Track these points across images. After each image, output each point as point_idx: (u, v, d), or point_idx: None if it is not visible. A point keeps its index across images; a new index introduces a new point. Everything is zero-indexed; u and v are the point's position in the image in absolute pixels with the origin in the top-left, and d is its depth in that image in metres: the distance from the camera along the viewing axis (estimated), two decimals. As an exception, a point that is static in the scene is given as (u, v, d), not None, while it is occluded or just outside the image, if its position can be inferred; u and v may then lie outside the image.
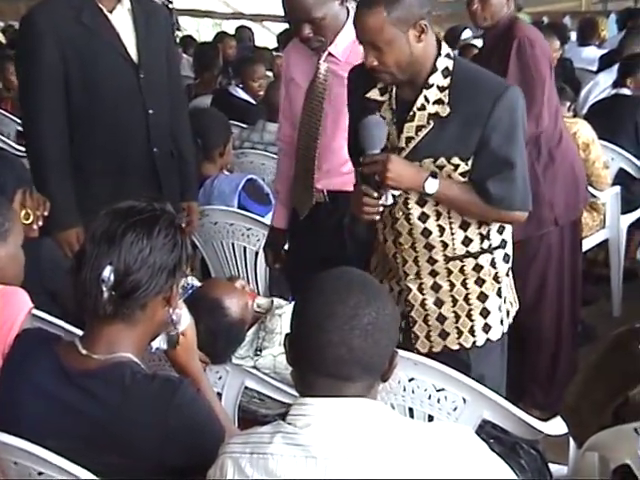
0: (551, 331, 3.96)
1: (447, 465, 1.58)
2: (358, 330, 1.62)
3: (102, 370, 1.91)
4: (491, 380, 2.67)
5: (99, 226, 1.92)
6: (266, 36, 13.76)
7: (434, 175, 2.53)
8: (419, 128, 2.54)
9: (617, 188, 4.92)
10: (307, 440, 1.60)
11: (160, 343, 2.08)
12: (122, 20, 3.42)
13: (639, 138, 5.11)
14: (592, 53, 7.46)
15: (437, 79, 2.52)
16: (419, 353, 2.64)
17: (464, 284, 2.70)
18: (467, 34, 8.93)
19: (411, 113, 2.54)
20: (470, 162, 2.54)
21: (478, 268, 2.69)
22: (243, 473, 1.63)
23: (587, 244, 4.76)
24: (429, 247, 2.66)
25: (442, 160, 2.55)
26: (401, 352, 1.77)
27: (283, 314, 2.77)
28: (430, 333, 2.73)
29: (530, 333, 3.88)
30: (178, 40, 10.30)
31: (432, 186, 2.53)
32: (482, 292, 2.71)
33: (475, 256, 2.68)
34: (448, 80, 2.52)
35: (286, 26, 11.22)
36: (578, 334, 4.36)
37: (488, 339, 2.74)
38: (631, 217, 5.07)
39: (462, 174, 2.56)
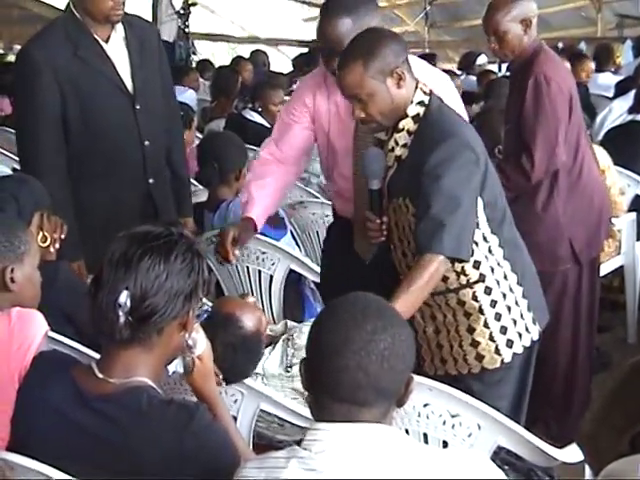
0: (566, 363, 3.91)
1: None
2: (374, 355, 1.62)
3: (118, 394, 1.91)
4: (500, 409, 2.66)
5: (116, 250, 1.93)
6: (281, 60, 13.83)
7: None
8: (388, 168, 2.73)
9: (633, 215, 4.91)
10: (322, 465, 1.60)
11: (177, 367, 2.08)
12: (117, 49, 3.45)
13: (655, 165, 5.11)
14: (608, 79, 7.46)
15: (408, 124, 2.66)
16: (427, 376, 2.66)
17: (454, 316, 2.79)
18: (482, 60, 8.98)
19: (385, 152, 2.73)
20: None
21: (461, 303, 2.77)
22: None
23: (603, 270, 4.73)
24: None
25: (407, 200, 2.67)
26: (416, 377, 1.77)
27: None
28: (433, 358, 2.85)
29: (545, 364, 3.85)
30: (194, 64, 10.37)
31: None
32: (469, 325, 2.78)
33: (455, 292, 2.75)
34: (417, 126, 2.66)
35: (301, 50, 11.32)
36: (593, 362, 4.35)
37: (483, 367, 2.80)
38: (647, 243, 5.06)
39: (413, 215, 2.65)
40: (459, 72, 9.52)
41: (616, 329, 5.02)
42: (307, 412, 2.66)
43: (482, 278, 2.77)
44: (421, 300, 2.60)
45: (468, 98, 6.38)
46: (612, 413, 2.05)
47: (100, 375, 1.94)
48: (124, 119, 3.44)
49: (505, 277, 2.80)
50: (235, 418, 2.61)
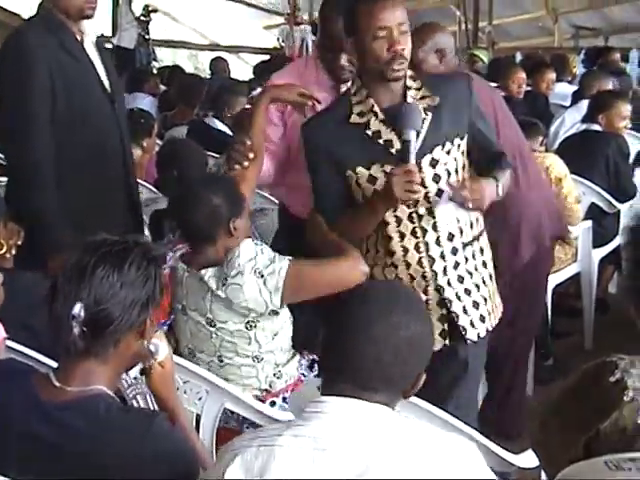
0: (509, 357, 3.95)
1: (449, 470, 1.60)
2: (392, 348, 1.66)
3: (76, 402, 1.90)
4: (479, 375, 2.96)
5: (71, 260, 1.92)
6: (242, 68, 13.82)
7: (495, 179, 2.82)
8: (423, 120, 2.72)
9: (589, 222, 4.98)
10: (316, 432, 1.63)
11: (137, 373, 2.08)
12: (91, 49, 3.44)
13: (610, 173, 5.18)
14: (564, 89, 7.56)
15: (410, 83, 2.75)
16: (473, 342, 2.88)
17: (476, 269, 2.89)
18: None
19: None
20: (465, 139, 2.82)
21: (481, 251, 2.93)
22: (246, 463, 1.64)
23: (559, 277, 4.80)
24: (450, 237, 2.81)
25: (448, 145, 2.76)
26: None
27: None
28: (472, 321, 2.88)
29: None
30: (155, 71, 10.35)
31: (499, 188, 2.81)
32: (490, 274, 2.96)
33: (478, 238, 2.89)
34: (418, 83, 2.76)
35: (262, 57, 11.32)
36: (549, 367, 4.40)
37: (491, 324, 2.96)
38: (603, 251, 5.13)
39: (463, 152, 2.81)
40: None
41: (573, 336, 5.08)
42: (272, 412, 2.69)
43: (482, 233, 2.94)
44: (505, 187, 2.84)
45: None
46: (566, 418, 2.08)
47: (57, 384, 1.93)
48: (107, 115, 3.43)
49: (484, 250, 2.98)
50: (199, 416, 2.62)
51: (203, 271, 2.84)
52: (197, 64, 15.86)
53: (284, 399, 2.93)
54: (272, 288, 2.76)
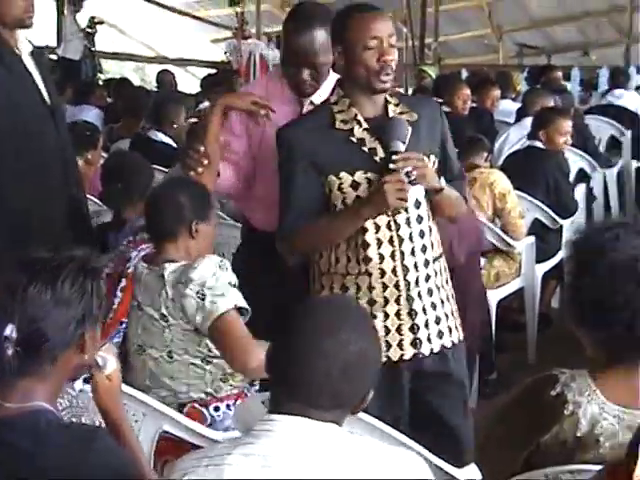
0: None
1: None
2: (341, 366, 1.65)
3: (16, 418, 1.87)
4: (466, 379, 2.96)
5: (3, 279, 1.88)
6: (190, 81, 13.79)
7: None
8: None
9: (532, 238, 5.04)
10: (266, 451, 1.62)
11: (84, 386, 2.06)
12: (28, 61, 3.37)
13: (550, 190, 5.27)
14: (508, 106, 7.65)
15: (389, 98, 2.82)
16: (423, 357, 2.84)
17: (442, 285, 2.91)
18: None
19: None
20: (438, 159, 2.86)
21: (444, 269, 2.94)
22: None
23: (503, 292, 4.85)
24: (424, 249, 2.84)
25: (427, 157, 2.79)
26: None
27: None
28: (430, 336, 2.87)
29: None
30: (101, 83, 10.27)
31: (443, 181, 2.82)
32: (448, 294, 2.95)
33: (439, 258, 2.91)
34: (395, 99, 2.83)
35: (210, 71, 11.30)
36: (493, 382, 4.45)
37: (459, 337, 2.96)
38: (546, 266, 5.19)
39: (435, 170, 2.81)
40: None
41: (516, 350, 5.13)
42: (210, 433, 2.67)
43: (441, 254, 2.95)
44: (451, 197, 2.86)
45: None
46: (508, 432, 2.10)
47: (-3, 400, 1.90)
48: (46, 127, 3.36)
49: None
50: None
51: (165, 265, 2.90)
52: (144, 77, 15.79)
53: (228, 406, 2.93)
54: (205, 315, 2.81)
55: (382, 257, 2.79)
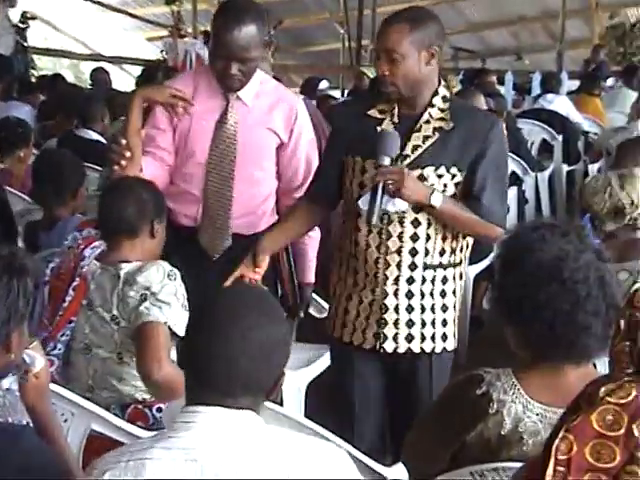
0: None
1: (320, 475, 1.62)
2: (247, 352, 1.65)
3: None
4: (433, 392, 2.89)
5: None
6: (125, 79, 13.67)
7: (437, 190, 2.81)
8: (426, 138, 2.84)
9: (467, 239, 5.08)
10: (186, 443, 1.61)
11: (11, 384, 2.03)
12: None
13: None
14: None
15: (438, 102, 2.86)
16: (385, 353, 2.88)
17: (432, 294, 2.91)
18: (324, 85, 9.11)
19: (418, 125, 2.84)
20: (465, 174, 2.83)
21: (445, 280, 2.92)
22: (115, 479, 1.62)
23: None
24: (413, 252, 2.85)
25: (442, 169, 2.82)
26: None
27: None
28: (397, 336, 2.90)
29: None
30: (34, 79, 10.13)
31: (437, 199, 2.78)
32: (444, 303, 2.93)
33: (445, 267, 2.91)
34: (447, 104, 2.86)
35: (144, 69, 11.21)
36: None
37: (444, 348, 2.95)
38: (477, 267, 5.25)
39: (456, 184, 2.84)
40: (302, 96, 9.65)
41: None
42: (141, 432, 2.65)
43: (460, 263, 2.95)
44: (453, 215, 2.81)
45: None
46: (435, 431, 2.13)
47: None
48: None
49: (461, 275, 2.99)
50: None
51: (122, 265, 2.86)
52: (78, 74, 15.61)
53: None
54: (137, 315, 2.78)
55: (368, 245, 2.87)
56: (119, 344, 2.87)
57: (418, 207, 2.81)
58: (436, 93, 2.86)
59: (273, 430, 1.69)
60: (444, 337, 2.94)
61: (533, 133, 7.53)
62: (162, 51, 12.25)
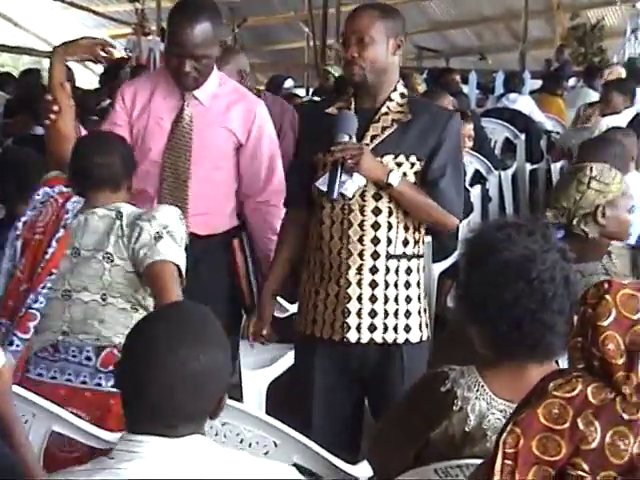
0: None
1: None
2: (183, 382, 1.61)
3: None
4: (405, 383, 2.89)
5: None
6: (88, 77, 13.57)
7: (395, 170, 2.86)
8: (384, 128, 2.90)
9: (428, 238, 5.09)
10: (133, 475, 1.58)
11: None
12: None
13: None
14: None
15: (396, 97, 2.93)
16: (348, 343, 2.92)
17: (395, 285, 2.93)
18: (289, 83, 9.12)
19: (377, 117, 2.91)
20: (423, 163, 2.90)
21: (409, 271, 2.95)
22: None
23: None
24: (375, 241, 2.89)
25: (401, 157, 2.88)
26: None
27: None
28: (361, 325, 2.92)
29: None
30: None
31: (395, 178, 2.82)
32: (408, 295, 2.96)
33: (408, 258, 2.95)
34: (405, 100, 2.94)
35: (107, 67, 11.14)
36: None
37: (407, 339, 2.95)
38: (442, 265, 5.28)
39: (415, 173, 2.90)
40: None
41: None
42: (102, 434, 2.63)
43: (423, 255, 3.01)
44: (409, 198, 2.86)
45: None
46: (399, 428, 2.14)
47: None
48: None
49: (424, 268, 3.05)
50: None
51: (120, 205, 2.85)
52: (43, 71, 15.47)
53: None
54: (150, 253, 2.76)
55: (332, 237, 2.91)
56: (106, 285, 2.82)
57: (378, 195, 2.85)
58: (395, 89, 2.93)
59: (221, 454, 1.66)
60: (407, 328, 2.95)
61: (496, 132, 7.58)
62: (126, 49, 12.18)
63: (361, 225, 2.88)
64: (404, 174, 2.88)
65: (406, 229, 2.92)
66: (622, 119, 5.92)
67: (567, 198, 2.98)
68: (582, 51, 14.65)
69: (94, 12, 16.30)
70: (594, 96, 7.89)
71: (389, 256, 2.90)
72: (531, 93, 9.23)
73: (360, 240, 2.88)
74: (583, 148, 4.14)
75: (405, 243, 2.93)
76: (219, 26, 3.21)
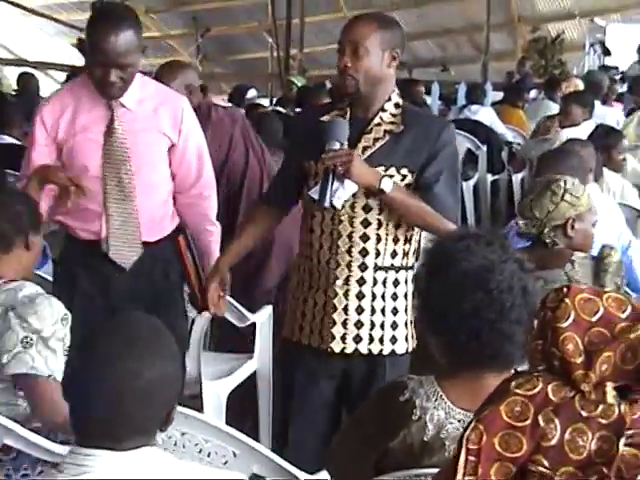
0: None
1: None
2: (132, 395, 1.60)
3: None
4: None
5: None
6: (51, 85, 13.48)
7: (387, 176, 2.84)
8: (376, 140, 2.88)
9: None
10: None
11: None
12: None
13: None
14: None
15: (390, 108, 2.91)
16: (332, 352, 2.91)
17: (383, 296, 2.92)
18: (252, 93, 9.12)
19: (369, 127, 2.88)
20: (415, 175, 2.87)
21: (396, 283, 2.93)
22: None
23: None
24: (364, 252, 2.88)
25: (393, 169, 2.86)
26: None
27: None
28: (346, 336, 2.91)
29: None
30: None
31: (387, 184, 2.80)
32: (395, 306, 2.94)
33: (397, 270, 2.92)
34: (399, 110, 2.91)
35: (69, 75, 11.08)
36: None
37: (393, 350, 2.94)
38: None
39: (407, 185, 2.87)
40: (229, 104, 9.63)
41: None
42: (54, 447, 2.59)
43: (413, 267, 2.95)
44: (403, 205, 2.84)
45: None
46: (359, 437, 2.14)
47: None
48: None
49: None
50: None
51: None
52: (3, 79, 15.34)
53: None
54: (17, 363, 2.57)
55: (321, 246, 2.91)
56: None
57: (368, 207, 2.85)
58: (389, 99, 2.91)
59: (172, 465, 1.65)
60: (393, 340, 2.95)
61: (458, 143, 7.60)
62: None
63: (350, 236, 2.87)
64: (394, 184, 2.85)
65: (395, 241, 2.91)
66: (581, 131, 5.97)
67: (540, 208, 3.04)
68: (543, 64, 14.80)
69: (56, 20, 16.20)
70: (554, 108, 7.96)
71: (377, 268, 2.89)
72: (493, 105, 9.30)
73: (348, 251, 2.88)
74: (542, 160, 4.18)
75: (393, 255, 2.91)
76: (141, 33, 3.15)
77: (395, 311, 2.94)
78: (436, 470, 1.91)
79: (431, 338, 2.10)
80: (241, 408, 3.54)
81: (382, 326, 2.93)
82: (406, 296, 2.96)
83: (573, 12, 15.82)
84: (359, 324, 2.91)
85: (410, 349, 2.99)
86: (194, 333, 3.73)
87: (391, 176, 2.85)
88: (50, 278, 3.50)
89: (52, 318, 2.61)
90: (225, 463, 2.43)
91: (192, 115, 3.34)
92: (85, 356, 1.65)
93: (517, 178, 7.41)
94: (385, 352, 2.93)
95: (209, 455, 2.44)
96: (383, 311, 2.93)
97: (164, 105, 3.24)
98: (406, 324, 2.97)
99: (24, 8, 15.78)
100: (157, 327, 1.70)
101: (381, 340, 2.93)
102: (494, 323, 1.99)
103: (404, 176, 2.87)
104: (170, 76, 3.89)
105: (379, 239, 2.88)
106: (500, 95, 9.84)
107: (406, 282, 2.95)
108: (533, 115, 8.61)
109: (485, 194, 7.73)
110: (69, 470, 1.59)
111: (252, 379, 3.65)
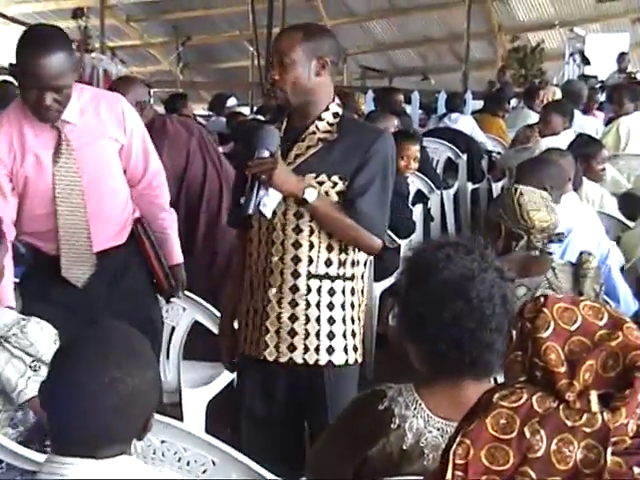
0: None
1: None
2: (107, 406, 1.60)
3: None
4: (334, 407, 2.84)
5: None
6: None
7: (312, 187, 2.83)
8: (309, 147, 2.89)
9: (370, 257, 5.12)
10: None
11: None
12: None
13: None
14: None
15: (328, 117, 2.92)
16: (265, 361, 2.89)
17: (318, 305, 2.90)
18: (232, 102, 9.12)
19: (303, 136, 2.90)
20: (346, 183, 2.86)
21: (332, 292, 2.91)
22: None
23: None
24: (296, 260, 2.87)
25: (323, 177, 2.86)
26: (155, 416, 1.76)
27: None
28: (279, 344, 2.89)
29: None
30: None
31: (311, 194, 2.80)
32: (331, 316, 2.91)
33: (332, 279, 2.90)
34: (337, 120, 2.92)
35: None
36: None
37: (330, 361, 2.91)
38: (383, 284, 5.30)
39: (338, 193, 2.86)
40: (209, 113, 9.63)
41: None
42: (31, 454, 2.57)
43: (352, 278, 2.94)
44: (326, 216, 2.83)
45: (218, 139, 6.48)
46: (338, 445, 2.14)
47: None
48: None
49: (362, 292, 3.01)
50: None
51: None
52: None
53: None
54: (31, 388, 2.58)
55: (259, 255, 2.91)
56: None
57: (299, 214, 2.84)
58: (327, 109, 2.91)
59: (148, 474, 1.65)
60: (330, 350, 2.90)
61: (438, 151, 7.65)
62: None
63: (282, 244, 2.87)
64: (326, 193, 2.85)
65: (329, 249, 2.88)
66: (561, 140, 6.00)
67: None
68: (523, 73, 14.88)
69: (36, 28, 16.12)
70: (534, 117, 8.00)
71: (310, 275, 2.87)
72: (473, 113, 9.34)
73: (281, 259, 2.87)
74: (520, 169, 4.19)
75: (328, 263, 2.89)
76: (72, 53, 3.11)
77: (332, 320, 2.91)
78: (415, 478, 1.92)
79: (410, 346, 2.10)
80: (221, 416, 3.54)
81: (317, 335, 2.89)
82: (344, 306, 2.92)
83: (553, 22, 15.92)
84: (292, 332, 2.89)
85: (352, 361, 2.94)
86: (174, 341, 3.73)
87: (321, 183, 2.85)
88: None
89: (48, 343, 2.64)
90: (204, 472, 2.43)
91: (131, 109, 3.34)
92: (61, 366, 1.64)
93: (497, 187, 7.43)
94: (322, 362, 2.89)
95: (188, 464, 2.44)
96: (318, 320, 2.89)
97: (104, 109, 3.21)
98: (344, 335, 2.93)
99: (4, 16, 15.72)
100: (133, 335, 1.70)
101: (317, 350, 2.89)
102: (474, 332, 1.99)
103: (335, 183, 2.86)
104: (120, 92, 3.80)
105: (312, 246, 2.87)
106: (480, 104, 9.89)
107: (344, 292, 2.92)
108: (512, 124, 8.65)
109: (465, 203, 7.76)
110: (44, 478, 1.59)
111: (232, 387, 3.63)
